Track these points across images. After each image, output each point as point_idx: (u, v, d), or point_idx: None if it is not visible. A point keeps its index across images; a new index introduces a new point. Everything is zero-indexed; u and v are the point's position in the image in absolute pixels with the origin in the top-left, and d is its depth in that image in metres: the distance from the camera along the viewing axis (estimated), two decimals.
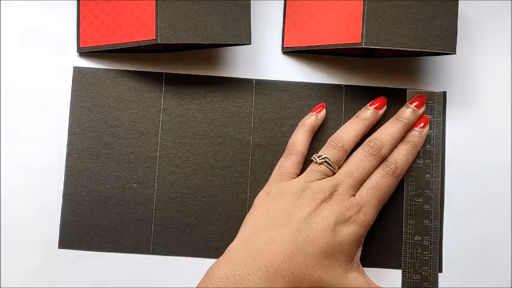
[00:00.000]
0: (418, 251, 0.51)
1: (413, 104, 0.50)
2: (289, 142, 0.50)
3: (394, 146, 0.49)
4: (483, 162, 0.52)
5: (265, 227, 0.45)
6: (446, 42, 0.48)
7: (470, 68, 0.53)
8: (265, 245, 0.44)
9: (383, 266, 0.51)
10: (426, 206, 0.51)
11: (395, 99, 0.52)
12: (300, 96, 0.52)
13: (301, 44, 0.52)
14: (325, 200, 0.46)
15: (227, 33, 0.48)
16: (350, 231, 0.46)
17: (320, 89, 0.52)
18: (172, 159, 0.51)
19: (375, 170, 0.48)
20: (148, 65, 0.52)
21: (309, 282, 0.44)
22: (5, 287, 0.50)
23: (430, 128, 0.52)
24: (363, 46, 0.48)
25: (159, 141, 0.52)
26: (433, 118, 0.52)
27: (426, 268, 0.51)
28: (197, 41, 0.48)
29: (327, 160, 0.48)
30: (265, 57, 0.53)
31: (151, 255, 0.51)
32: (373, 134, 0.50)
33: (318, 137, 0.52)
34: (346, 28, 0.49)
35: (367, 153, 0.48)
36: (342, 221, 0.46)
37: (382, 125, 0.50)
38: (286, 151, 0.50)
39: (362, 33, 0.48)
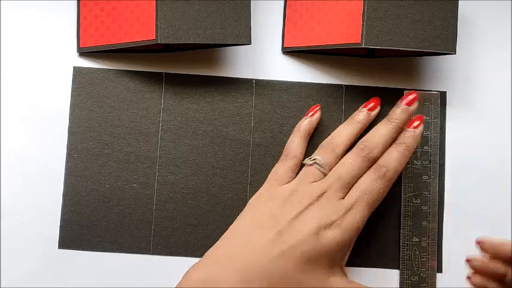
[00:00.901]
0: (416, 252, 0.51)
1: (404, 102, 0.49)
2: (284, 147, 0.50)
3: (386, 148, 0.48)
4: (483, 163, 0.52)
5: (248, 230, 0.45)
6: (446, 42, 0.48)
7: (470, 68, 0.53)
8: (244, 247, 0.43)
9: (383, 266, 0.51)
10: (424, 208, 0.51)
11: (396, 100, 0.52)
12: (300, 96, 0.52)
13: (301, 44, 0.52)
14: (311, 203, 0.45)
15: (227, 33, 0.48)
16: (335, 236, 0.44)
17: (320, 89, 0.52)
18: (172, 159, 0.51)
19: (365, 172, 0.48)
20: (148, 65, 0.52)
21: (288, 286, 0.43)
22: (5, 287, 0.50)
23: (427, 129, 0.51)
24: (363, 46, 0.48)
25: (159, 141, 0.52)
26: (431, 119, 0.52)
27: (424, 269, 0.51)
28: (197, 41, 0.48)
29: (317, 162, 0.48)
30: (265, 57, 0.53)
31: (151, 255, 0.51)
32: (364, 136, 0.49)
33: (317, 138, 0.52)
34: (346, 28, 0.49)
35: (357, 155, 0.48)
36: (327, 224, 0.44)
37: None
38: (282, 156, 0.50)
39: (362, 33, 0.48)
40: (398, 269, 0.51)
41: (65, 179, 0.51)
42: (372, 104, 0.50)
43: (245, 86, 0.52)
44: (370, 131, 0.49)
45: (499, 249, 0.43)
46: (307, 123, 0.51)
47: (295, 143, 0.50)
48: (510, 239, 0.51)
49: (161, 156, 0.52)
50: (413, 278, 0.51)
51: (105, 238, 0.51)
